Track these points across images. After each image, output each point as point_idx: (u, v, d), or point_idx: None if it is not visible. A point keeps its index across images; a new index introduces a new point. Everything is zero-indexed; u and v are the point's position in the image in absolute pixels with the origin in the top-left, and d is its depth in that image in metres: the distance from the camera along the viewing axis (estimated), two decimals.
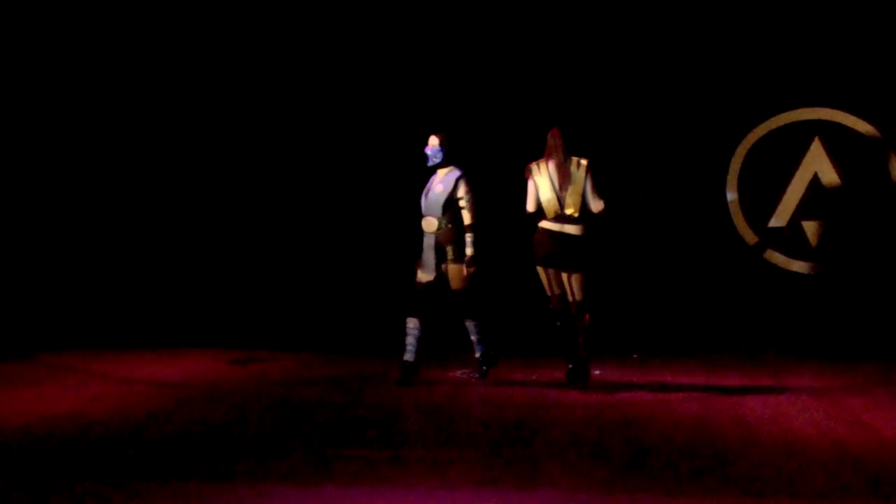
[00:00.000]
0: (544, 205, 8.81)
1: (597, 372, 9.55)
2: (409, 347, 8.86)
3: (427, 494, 6.08)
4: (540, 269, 8.95)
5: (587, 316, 8.92)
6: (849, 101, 11.29)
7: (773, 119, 11.42)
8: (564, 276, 8.89)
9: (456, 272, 8.87)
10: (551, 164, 8.82)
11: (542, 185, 8.81)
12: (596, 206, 8.83)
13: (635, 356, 10.24)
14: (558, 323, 8.98)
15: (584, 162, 8.80)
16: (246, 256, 11.71)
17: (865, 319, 11.08)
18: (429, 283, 8.85)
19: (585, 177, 8.77)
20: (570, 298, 8.92)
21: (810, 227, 11.35)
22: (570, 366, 8.97)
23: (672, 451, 6.90)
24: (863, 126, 11.27)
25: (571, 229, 8.80)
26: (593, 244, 8.86)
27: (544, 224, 8.85)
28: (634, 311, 11.29)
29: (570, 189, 8.76)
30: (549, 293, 8.96)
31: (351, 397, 8.57)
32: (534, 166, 8.89)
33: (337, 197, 11.63)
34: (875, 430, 7.45)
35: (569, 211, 8.78)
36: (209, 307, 11.52)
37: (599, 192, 8.79)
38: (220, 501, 5.97)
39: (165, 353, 10.38)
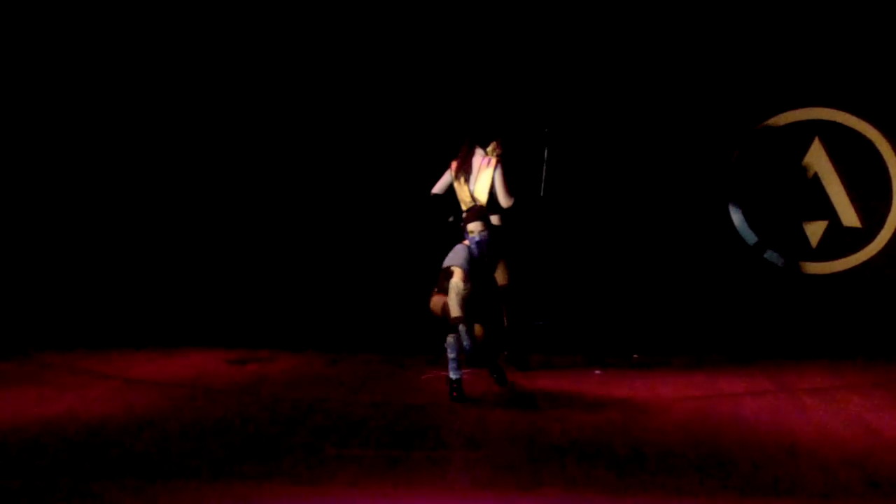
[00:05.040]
0: (459, 199, 9.50)
1: (597, 372, 9.57)
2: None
3: (427, 494, 6.08)
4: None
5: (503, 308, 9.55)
6: (849, 101, 11.28)
7: (773, 119, 11.43)
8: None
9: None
10: (458, 163, 9.51)
11: (455, 181, 9.51)
12: (504, 201, 9.45)
13: (635, 356, 10.24)
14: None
15: (493, 160, 9.40)
16: (246, 256, 11.70)
17: (866, 319, 11.07)
18: None
19: (493, 174, 9.36)
20: (497, 284, 9.44)
21: (811, 228, 11.35)
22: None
23: (672, 451, 6.90)
24: (863, 126, 11.28)
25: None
26: (512, 233, 9.54)
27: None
28: (634, 312, 11.29)
29: (478, 185, 9.40)
30: None
31: (351, 397, 8.57)
32: (453, 163, 9.57)
33: (337, 196, 11.62)
34: (875, 430, 7.45)
35: (478, 204, 9.37)
36: (209, 306, 11.51)
37: (510, 189, 9.38)
38: (220, 501, 5.97)
39: (165, 353, 10.37)
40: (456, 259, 8.58)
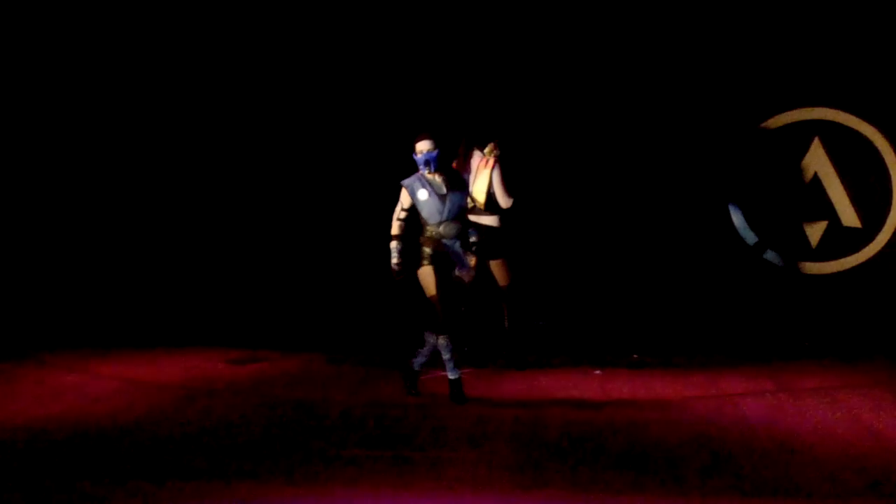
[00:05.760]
0: None
1: (597, 372, 9.57)
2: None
3: (427, 494, 6.08)
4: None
5: (504, 306, 9.67)
6: (849, 101, 11.28)
7: (772, 119, 11.43)
8: (491, 263, 9.55)
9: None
10: (457, 165, 9.54)
11: None
12: (503, 201, 9.52)
13: (635, 356, 10.24)
14: (462, 308, 9.46)
15: (491, 161, 9.49)
16: (246, 256, 11.70)
17: (867, 319, 11.07)
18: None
19: (491, 174, 9.45)
20: (498, 284, 9.61)
21: (811, 228, 11.36)
22: (466, 349, 9.51)
23: (672, 451, 6.90)
24: (863, 126, 11.27)
25: (486, 220, 9.51)
26: (511, 233, 9.64)
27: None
28: (634, 312, 11.29)
29: (476, 186, 9.48)
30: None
31: (351, 397, 8.57)
32: (452, 165, 9.50)
33: (336, 197, 11.62)
34: (875, 430, 7.45)
35: (478, 204, 9.49)
36: (210, 307, 11.51)
37: (508, 189, 9.47)
38: (220, 501, 5.97)
39: (165, 353, 10.37)
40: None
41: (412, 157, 8.49)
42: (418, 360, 8.54)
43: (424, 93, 11.40)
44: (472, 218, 9.50)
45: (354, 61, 11.58)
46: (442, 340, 8.33)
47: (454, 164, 9.59)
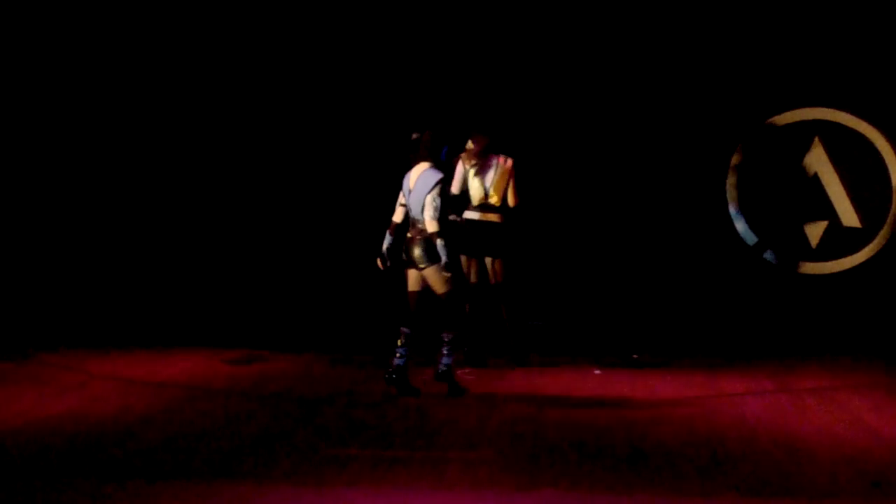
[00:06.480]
0: (471, 194, 9.63)
1: (597, 372, 9.57)
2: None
3: (427, 494, 6.08)
4: (463, 258, 9.60)
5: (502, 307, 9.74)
6: (849, 101, 11.28)
7: (773, 119, 11.43)
8: (488, 260, 9.62)
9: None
10: (473, 159, 9.58)
11: (470, 174, 9.59)
12: (512, 201, 9.61)
13: (635, 356, 10.24)
14: (467, 308, 9.47)
15: (510, 161, 9.58)
16: (245, 256, 11.70)
17: (866, 319, 11.07)
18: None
19: (510, 174, 9.54)
20: (492, 281, 9.66)
21: (811, 228, 11.36)
22: (466, 349, 9.58)
23: (672, 451, 6.90)
24: (863, 126, 11.27)
25: (494, 217, 9.58)
26: (513, 232, 9.71)
27: (468, 214, 9.62)
28: (634, 312, 11.29)
29: (494, 184, 9.53)
30: (469, 279, 9.67)
31: (351, 397, 8.57)
32: (463, 155, 9.62)
33: (338, 198, 11.63)
34: (875, 430, 7.46)
35: (492, 201, 9.57)
36: (209, 306, 11.52)
37: (517, 191, 9.57)
38: (220, 501, 5.97)
39: (165, 353, 10.37)
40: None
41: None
42: (398, 360, 8.51)
43: (426, 91, 11.40)
44: (478, 215, 9.56)
45: (358, 60, 11.59)
46: (446, 337, 8.34)
47: (456, 160, 9.61)
